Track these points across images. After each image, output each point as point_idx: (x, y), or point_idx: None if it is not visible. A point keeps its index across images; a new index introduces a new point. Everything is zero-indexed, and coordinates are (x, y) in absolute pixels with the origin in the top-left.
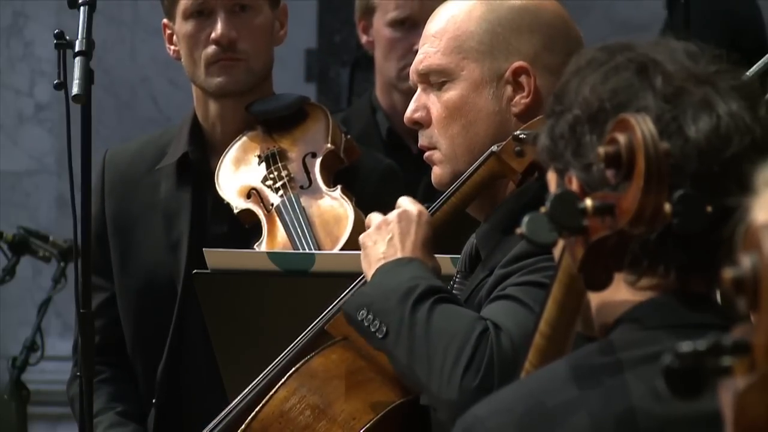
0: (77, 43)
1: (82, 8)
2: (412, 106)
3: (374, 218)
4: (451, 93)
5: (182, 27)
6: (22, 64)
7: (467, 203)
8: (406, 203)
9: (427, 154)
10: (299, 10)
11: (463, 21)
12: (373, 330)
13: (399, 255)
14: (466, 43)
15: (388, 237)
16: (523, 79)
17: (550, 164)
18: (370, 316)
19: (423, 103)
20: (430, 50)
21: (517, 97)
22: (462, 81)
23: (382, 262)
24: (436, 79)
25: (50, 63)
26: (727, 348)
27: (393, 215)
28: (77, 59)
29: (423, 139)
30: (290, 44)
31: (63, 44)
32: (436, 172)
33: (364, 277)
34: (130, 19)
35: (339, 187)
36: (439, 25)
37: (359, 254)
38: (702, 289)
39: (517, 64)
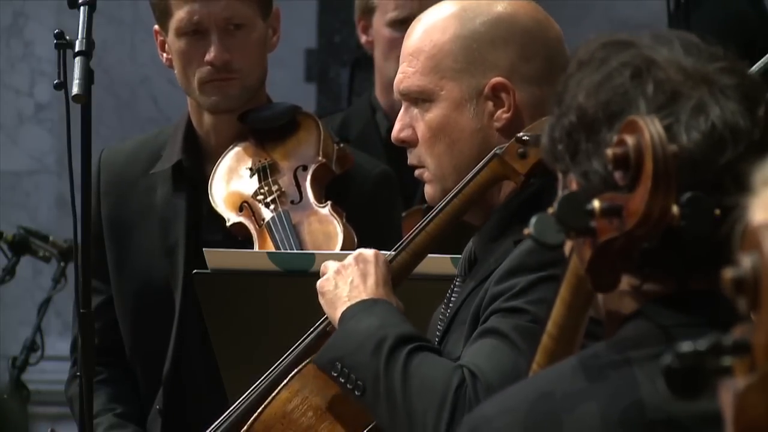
0: (77, 43)
1: (82, 8)
2: (397, 125)
3: (330, 265)
4: (433, 113)
5: (175, 43)
6: (22, 64)
7: (470, 205)
8: (362, 249)
9: (417, 172)
10: (299, 10)
11: (439, 39)
12: (350, 387)
13: (363, 296)
14: (443, 63)
15: (349, 280)
16: (502, 94)
17: (553, 165)
18: (345, 371)
19: (408, 122)
20: (408, 70)
21: (498, 112)
22: (442, 101)
23: (348, 304)
24: (417, 98)
25: (50, 63)
26: (728, 348)
27: (349, 259)
28: (77, 59)
29: (412, 158)
30: (290, 44)
31: (63, 44)
32: (428, 191)
33: (327, 317)
34: (130, 19)
35: (329, 203)
36: (415, 43)
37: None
38: (707, 287)
39: (494, 80)
